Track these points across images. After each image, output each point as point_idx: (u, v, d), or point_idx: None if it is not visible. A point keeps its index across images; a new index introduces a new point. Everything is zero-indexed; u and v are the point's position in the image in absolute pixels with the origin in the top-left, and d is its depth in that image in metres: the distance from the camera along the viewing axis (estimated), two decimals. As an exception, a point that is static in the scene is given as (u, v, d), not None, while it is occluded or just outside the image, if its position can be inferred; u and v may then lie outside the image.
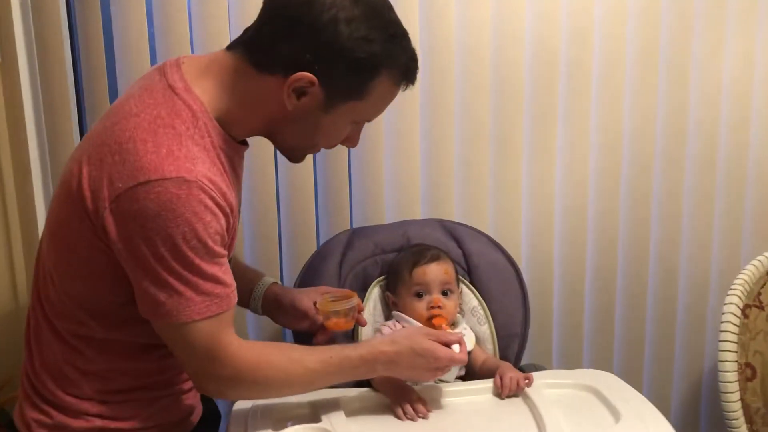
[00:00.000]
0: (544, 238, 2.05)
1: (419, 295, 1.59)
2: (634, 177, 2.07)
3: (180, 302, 1.17)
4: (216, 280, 1.20)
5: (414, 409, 1.40)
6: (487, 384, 1.53)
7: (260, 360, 1.26)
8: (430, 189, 1.95)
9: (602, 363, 2.15)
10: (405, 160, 1.91)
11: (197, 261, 1.16)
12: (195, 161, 1.16)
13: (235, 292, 1.25)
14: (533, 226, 2.04)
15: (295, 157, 1.36)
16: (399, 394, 1.43)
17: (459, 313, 1.67)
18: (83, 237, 1.19)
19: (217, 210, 1.18)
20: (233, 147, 1.27)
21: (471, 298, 1.72)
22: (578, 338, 2.14)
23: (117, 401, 1.32)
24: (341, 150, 1.88)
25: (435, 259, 1.62)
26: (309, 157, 1.86)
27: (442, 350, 1.35)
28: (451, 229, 1.81)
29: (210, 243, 1.17)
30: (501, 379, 1.49)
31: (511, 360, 1.69)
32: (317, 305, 1.50)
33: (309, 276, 1.72)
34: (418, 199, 1.96)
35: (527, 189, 2.02)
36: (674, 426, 1.36)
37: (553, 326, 2.11)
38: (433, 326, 1.54)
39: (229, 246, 1.26)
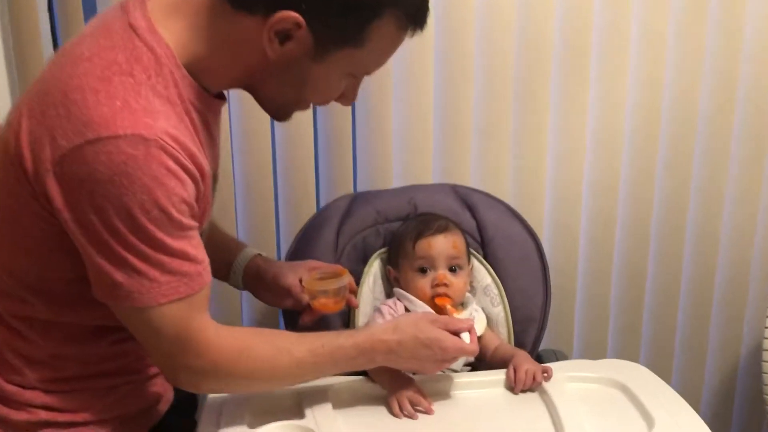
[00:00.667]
0: (569, 210, 1.84)
1: (423, 271, 1.40)
2: (673, 143, 1.85)
3: (141, 283, 0.99)
4: (184, 256, 1.01)
5: (413, 404, 1.21)
6: (499, 375, 1.33)
7: (241, 349, 1.10)
8: (443, 151, 1.74)
9: (628, 351, 1.96)
10: (416, 117, 1.71)
11: (159, 234, 0.98)
12: (156, 116, 0.97)
13: (209, 269, 1.07)
14: (558, 196, 1.83)
15: (280, 114, 1.15)
16: (396, 385, 1.24)
17: (469, 292, 1.48)
18: (24, 204, 1.01)
19: (182, 174, 0.99)
20: (206, 101, 1.08)
21: (484, 275, 1.52)
22: (603, 324, 1.94)
23: (66, 391, 1.14)
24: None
25: (442, 230, 1.42)
26: (308, 113, 1.67)
27: (451, 340, 1.18)
28: (465, 195, 1.60)
29: (174, 213, 0.98)
30: (515, 371, 1.29)
31: (527, 347, 1.49)
32: (303, 283, 1.31)
33: (302, 247, 1.53)
34: (430, 162, 1.76)
35: (553, 153, 1.80)
36: (705, 419, 1.21)
37: (576, 309, 1.91)
38: (437, 306, 1.35)
39: (200, 216, 1.07)
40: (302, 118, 1.67)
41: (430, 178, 1.76)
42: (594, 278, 1.91)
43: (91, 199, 0.95)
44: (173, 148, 0.97)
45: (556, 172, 1.82)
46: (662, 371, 1.44)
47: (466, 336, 1.19)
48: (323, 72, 1.06)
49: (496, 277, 1.52)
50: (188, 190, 1.00)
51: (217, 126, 1.16)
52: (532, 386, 1.29)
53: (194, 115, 1.05)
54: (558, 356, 1.52)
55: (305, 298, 1.31)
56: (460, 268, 1.42)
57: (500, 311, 1.50)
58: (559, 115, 1.77)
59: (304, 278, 1.32)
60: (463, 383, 1.32)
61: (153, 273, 0.99)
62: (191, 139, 1.02)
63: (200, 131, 1.07)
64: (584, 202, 1.86)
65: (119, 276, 0.98)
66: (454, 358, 1.20)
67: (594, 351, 1.94)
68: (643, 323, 1.97)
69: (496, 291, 1.51)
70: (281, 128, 1.70)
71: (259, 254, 1.40)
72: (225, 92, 1.15)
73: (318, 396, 1.24)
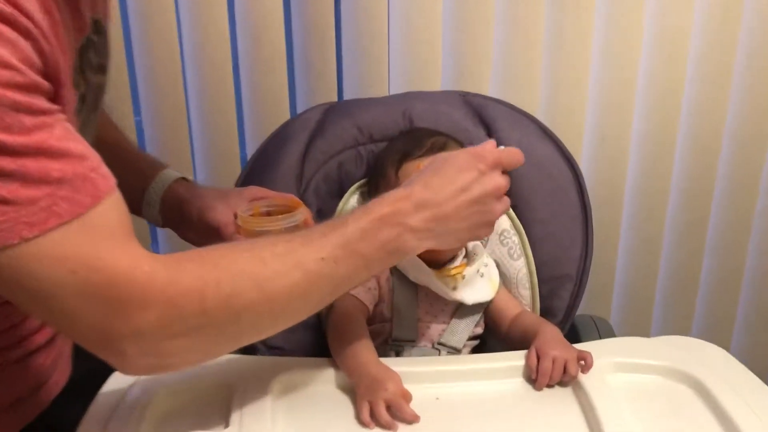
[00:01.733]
0: (616, 132, 1.43)
1: None
2: (753, 48, 1.40)
3: None
4: (49, 154, 0.64)
5: (393, 410, 0.83)
6: (517, 361, 0.95)
7: (206, 280, 0.69)
8: (455, 52, 1.34)
9: (679, 323, 1.58)
10: (419, 5, 1.29)
11: None
12: None
13: (105, 169, 0.69)
14: (603, 113, 1.41)
15: None
16: (369, 380, 0.86)
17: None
18: None
19: (6, 29, 0.62)
20: None
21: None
22: (649, 287, 1.54)
23: None
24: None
25: (437, 149, 1.03)
26: (276, 2, 1.26)
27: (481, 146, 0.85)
28: (479, 107, 1.19)
29: (9, 93, 0.61)
30: (538, 359, 0.91)
31: (557, 317, 1.11)
32: (238, 220, 0.92)
33: (255, 174, 1.14)
34: (438, 66, 1.35)
35: (598, 58, 1.37)
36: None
37: (617, 267, 1.51)
38: (427, 259, 1.01)
39: (58, 95, 0.68)
40: (270, 5, 1.26)
41: (438, 85, 1.35)
42: (641, 227, 1.50)
43: None
44: None
45: (601, 85, 1.40)
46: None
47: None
48: None
49: (517, 220, 1.12)
50: (22, 52, 0.63)
51: None
52: (563, 380, 0.91)
53: None
54: (599, 327, 1.13)
55: (239, 240, 0.93)
56: None
57: (521, 266, 1.11)
58: (606, 13, 1.34)
59: (239, 214, 0.93)
60: (467, 372, 0.93)
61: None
62: None
63: None
64: (636, 121, 1.43)
65: None
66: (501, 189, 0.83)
67: (637, 321, 1.55)
68: (700, 289, 1.57)
69: (516, 239, 1.11)
70: (244, 14, 1.30)
71: (183, 178, 1.02)
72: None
73: (253, 388, 0.87)
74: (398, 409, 0.83)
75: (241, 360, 0.94)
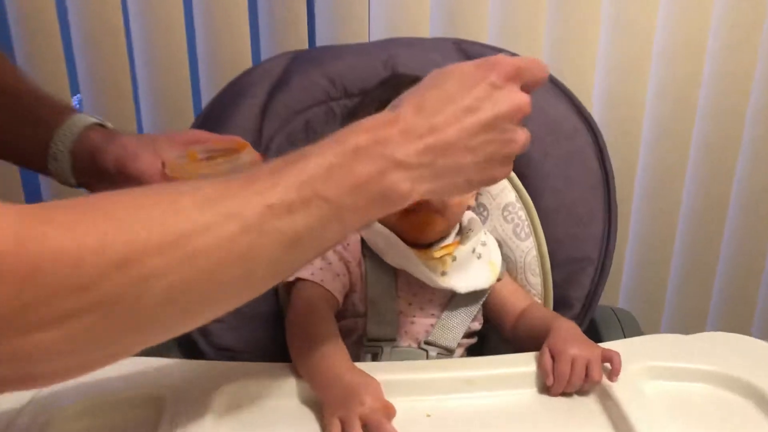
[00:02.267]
0: (632, 86, 1.22)
1: None
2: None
3: None
4: None
5: (371, 428, 0.63)
6: (527, 365, 0.75)
7: (87, 237, 0.45)
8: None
9: (694, 315, 1.38)
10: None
11: None
12: None
13: None
14: (616, 65, 1.21)
15: None
16: (343, 397, 0.66)
17: (475, 212, 0.91)
18: None
19: None
20: None
21: (503, 186, 0.93)
22: (662, 275, 1.35)
23: None
24: None
25: None
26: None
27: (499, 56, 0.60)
28: (476, 56, 0.98)
29: None
30: (554, 360, 0.71)
31: (574, 308, 0.91)
32: (166, 168, 0.72)
33: (204, 129, 0.91)
34: (427, 10, 1.14)
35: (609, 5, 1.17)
36: None
37: (626, 251, 1.32)
38: (411, 232, 0.83)
39: None
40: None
41: (425, 35, 1.15)
42: (656, 201, 1.31)
43: None
44: None
45: (615, 35, 1.19)
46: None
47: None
48: None
49: (525, 191, 0.92)
50: None
51: None
52: (585, 386, 0.71)
53: None
54: (622, 322, 0.93)
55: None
56: None
57: (530, 247, 0.91)
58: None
59: (167, 161, 0.72)
60: (464, 381, 0.73)
61: None
62: None
63: None
64: (652, 83, 1.24)
65: None
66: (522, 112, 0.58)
67: (646, 313, 1.36)
68: (719, 273, 1.38)
69: (523, 213, 0.92)
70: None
71: (99, 124, 0.78)
72: None
73: (189, 402, 0.67)
74: (377, 428, 0.62)
75: (174, 366, 0.74)
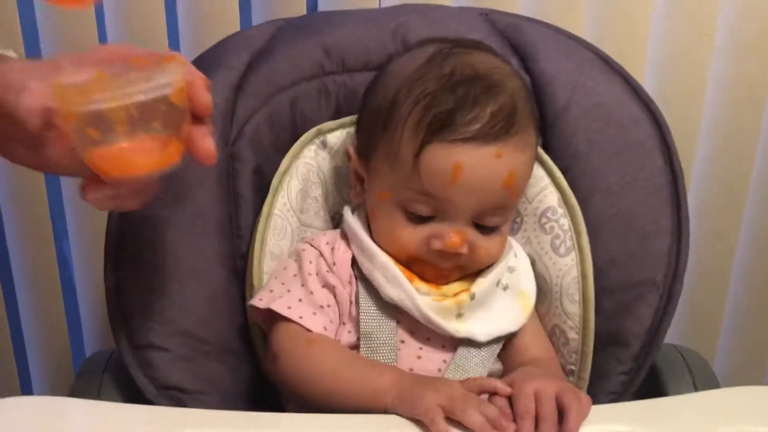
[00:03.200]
0: (690, 76, 1.02)
1: (421, 217, 0.65)
2: None
3: None
4: None
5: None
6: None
7: None
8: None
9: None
10: None
11: None
12: None
13: None
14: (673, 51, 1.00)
15: None
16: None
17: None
18: None
19: None
20: None
21: (544, 187, 0.73)
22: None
23: None
24: None
25: (501, 135, 0.63)
26: None
27: None
28: (510, 28, 0.80)
29: None
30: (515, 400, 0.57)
31: (631, 347, 0.69)
32: (52, 98, 0.50)
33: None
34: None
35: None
36: None
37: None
38: (422, 272, 0.66)
39: None
40: None
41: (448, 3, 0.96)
42: (714, 211, 1.10)
43: None
44: None
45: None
46: None
47: None
48: None
49: (571, 193, 0.72)
50: None
51: None
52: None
53: None
54: (691, 366, 0.71)
55: (70, 141, 0.51)
56: (501, 223, 0.67)
57: (570, 265, 0.71)
58: None
59: (55, 85, 0.50)
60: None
61: None
62: None
63: None
64: (715, 63, 1.03)
65: None
66: None
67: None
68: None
69: (566, 222, 0.71)
70: None
71: None
72: None
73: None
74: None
75: (99, 411, 0.54)
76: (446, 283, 0.67)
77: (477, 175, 0.62)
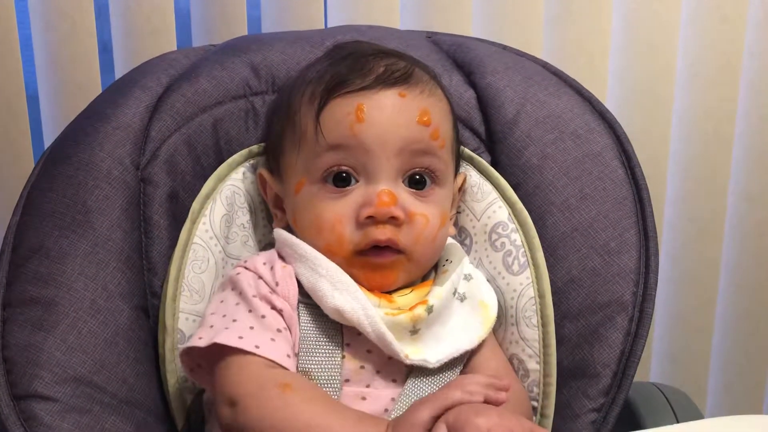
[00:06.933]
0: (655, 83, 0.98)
1: (341, 180, 0.59)
2: None
3: None
4: None
5: None
6: None
7: None
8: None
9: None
10: None
11: None
12: None
13: None
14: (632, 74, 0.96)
15: None
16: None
17: (458, 237, 0.66)
18: None
19: None
20: None
21: (492, 202, 0.66)
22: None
23: None
24: None
25: (396, 80, 0.61)
26: None
27: None
28: (453, 47, 0.75)
29: None
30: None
31: (601, 379, 0.61)
32: None
33: (68, 139, 0.66)
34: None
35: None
36: None
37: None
38: (367, 278, 0.60)
39: None
40: None
41: (396, 22, 0.92)
42: (694, 212, 1.03)
43: None
44: None
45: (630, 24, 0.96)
46: None
47: None
48: None
49: (521, 205, 0.65)
50: None
51: None
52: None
53: None
54: (671, 401, 0.63)
55: None
56: (436, 180, 0.62)
57: (525, 284, 0.64)
58: None
59: None
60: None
61: None
62: None
63: None
64: (679, 75, 0.99)
65: None
66: None
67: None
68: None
69: (518, 237, 0.64)
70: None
71: None
72: None
73: None
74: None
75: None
76: (397, 290, 0.60)
77: (384, 115, 0.59)
